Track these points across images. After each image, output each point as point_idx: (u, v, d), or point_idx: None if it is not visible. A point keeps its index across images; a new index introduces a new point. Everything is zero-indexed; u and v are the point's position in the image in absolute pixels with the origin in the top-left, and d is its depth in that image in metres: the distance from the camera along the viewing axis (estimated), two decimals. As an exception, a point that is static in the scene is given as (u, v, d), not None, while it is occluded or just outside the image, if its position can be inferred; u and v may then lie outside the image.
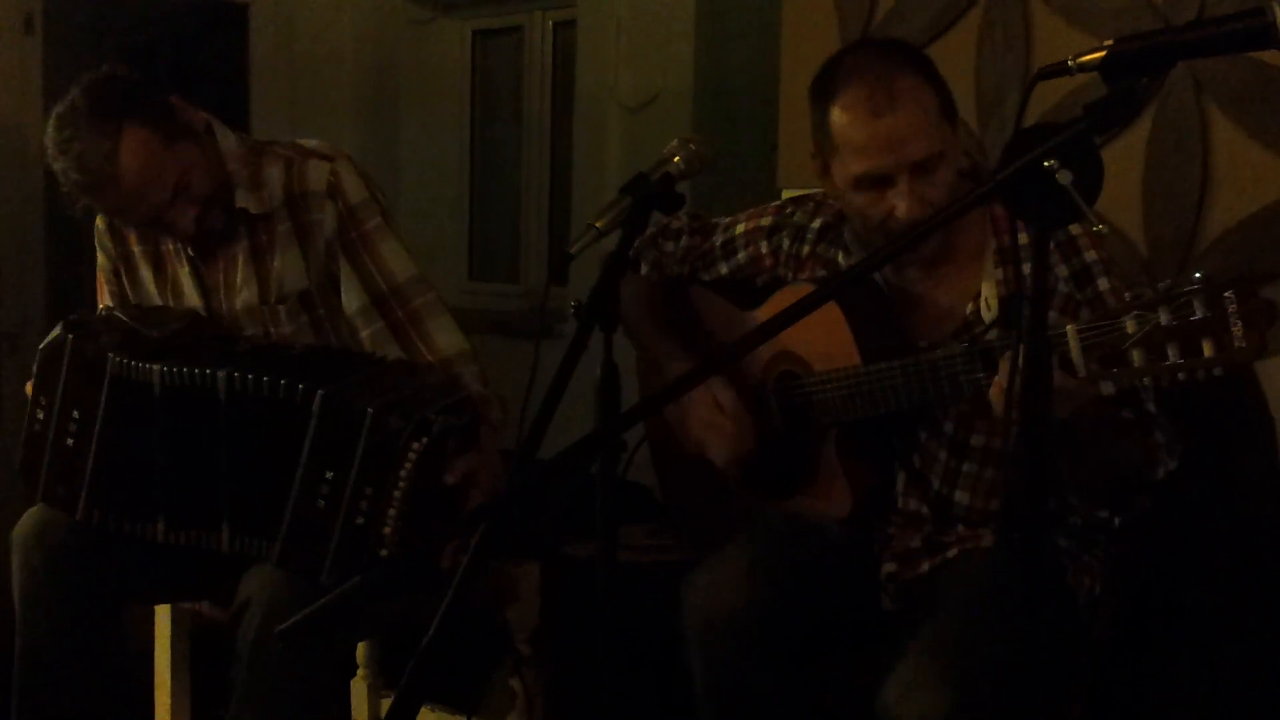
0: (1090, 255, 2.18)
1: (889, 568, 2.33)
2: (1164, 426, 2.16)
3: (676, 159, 1.97)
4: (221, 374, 2.37)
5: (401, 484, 2.28)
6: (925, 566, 2.31)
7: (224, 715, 2.43)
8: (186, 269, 2.65)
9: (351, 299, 2.57)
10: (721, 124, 4.04)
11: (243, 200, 2.56)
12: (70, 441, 2.48)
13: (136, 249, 2.71)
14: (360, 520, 2.30)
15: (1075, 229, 2.18)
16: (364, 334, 2.57)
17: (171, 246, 2.66)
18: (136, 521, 2.46)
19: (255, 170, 2.58)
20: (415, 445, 2.29)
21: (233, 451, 2.39)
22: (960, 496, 2.29)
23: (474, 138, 5.20)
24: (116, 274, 2.75)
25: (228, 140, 2.60)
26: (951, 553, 2.30)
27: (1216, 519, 2.48)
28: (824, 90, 2.25)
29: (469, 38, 5.16)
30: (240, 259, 2.61)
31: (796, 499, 2.40)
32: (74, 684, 2.51)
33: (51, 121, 2.45)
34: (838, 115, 2.21)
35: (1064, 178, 1.50)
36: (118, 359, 2.43)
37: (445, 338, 2.58)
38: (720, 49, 4.11)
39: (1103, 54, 1.53)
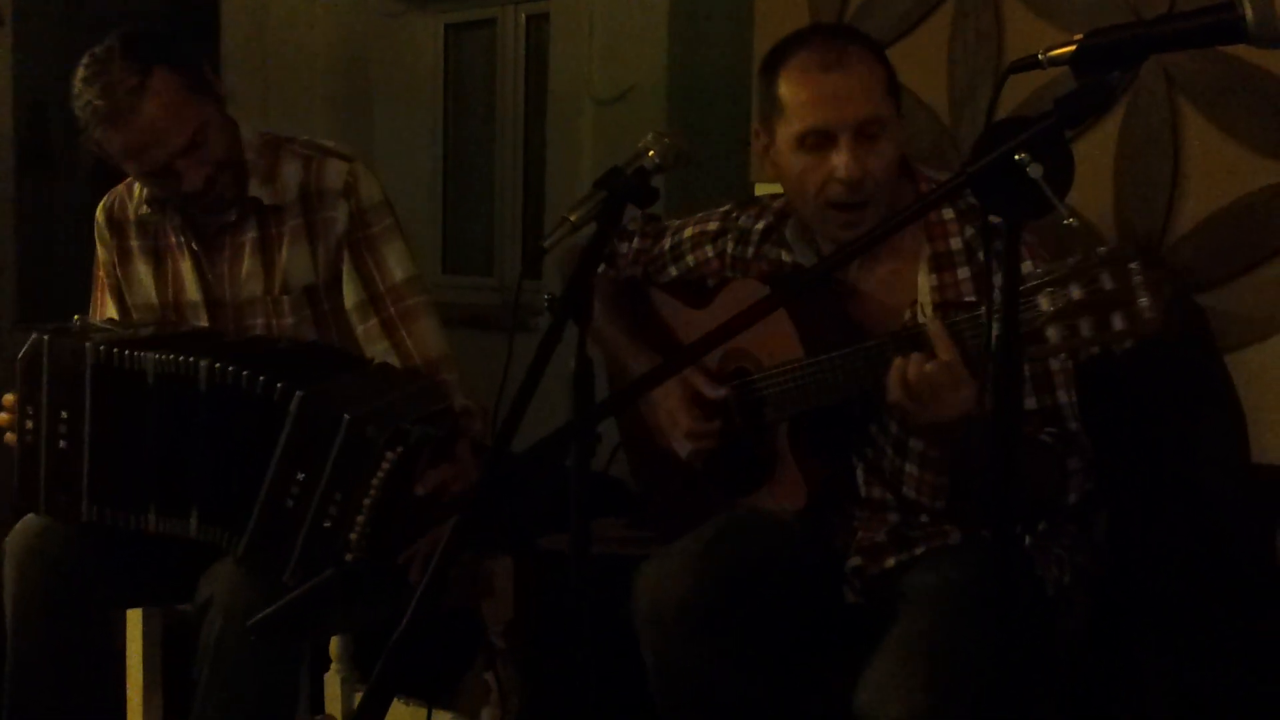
0: (1026, 266, 2.17)
1: (854, 562, 2.33)
2: (1083, 449, 2.18)
3: (651, 153, 1.97)
4: (204, 363, 2.37)
5: (372, 492, 2.29)
6: (891, 561, 2.31)
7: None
8: (189, 261, 2.65)
9: (350, 295, 2.61)
10: (695, 118, 4.05)
11: (256, 190, 2.58)
12: (63, 444, 2.47)
13: (135, 244, 2.71)
14: (328, 524, 2.30)
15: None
16: (359, 330, 2.61)
17: (173, 239, 2.66)
18: (131, 513, 2.45)
19: (272, 163, 2.61)
20: (389, 454, 2.29)
21: (209, 441, 2.39)
22: (907, 492, 2.30)
23: (447, 131, 5.19)
24: (112, 270, 2.74)
25: (246, 130, 2.63)
26: (919, 550, 2.30)
27: (1186, 509, 2.50)
28: (775, 56, 2.29)
29: (441, 31, 5.15)
30: (247, 249, 2.62)
31: (756, 494, 2.41)
32: (65, 693, 2.50)
33: (84, 59, 2.47)
34: (787, 75, 2.25)
35: (1034, 171, 1.51)
36: (94, 347, 2.43)
37: (431, 339, 2.61)
38: (693, 43, 4.12)
39: (1073, 48, 1.54)
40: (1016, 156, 1.51)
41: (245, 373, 2.35)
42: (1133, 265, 1.68)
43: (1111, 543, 2.40)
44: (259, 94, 5.10)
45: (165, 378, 2.40)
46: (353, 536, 2.29)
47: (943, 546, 2.29)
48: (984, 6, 3.12)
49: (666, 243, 2.59)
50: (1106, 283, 1.70)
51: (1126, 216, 2.93)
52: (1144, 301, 1.68)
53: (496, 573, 2.77)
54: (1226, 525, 2.50)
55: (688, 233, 2.56)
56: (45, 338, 2.48)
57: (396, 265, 2.61)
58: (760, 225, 2.46)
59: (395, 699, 2.60)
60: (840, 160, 2.19)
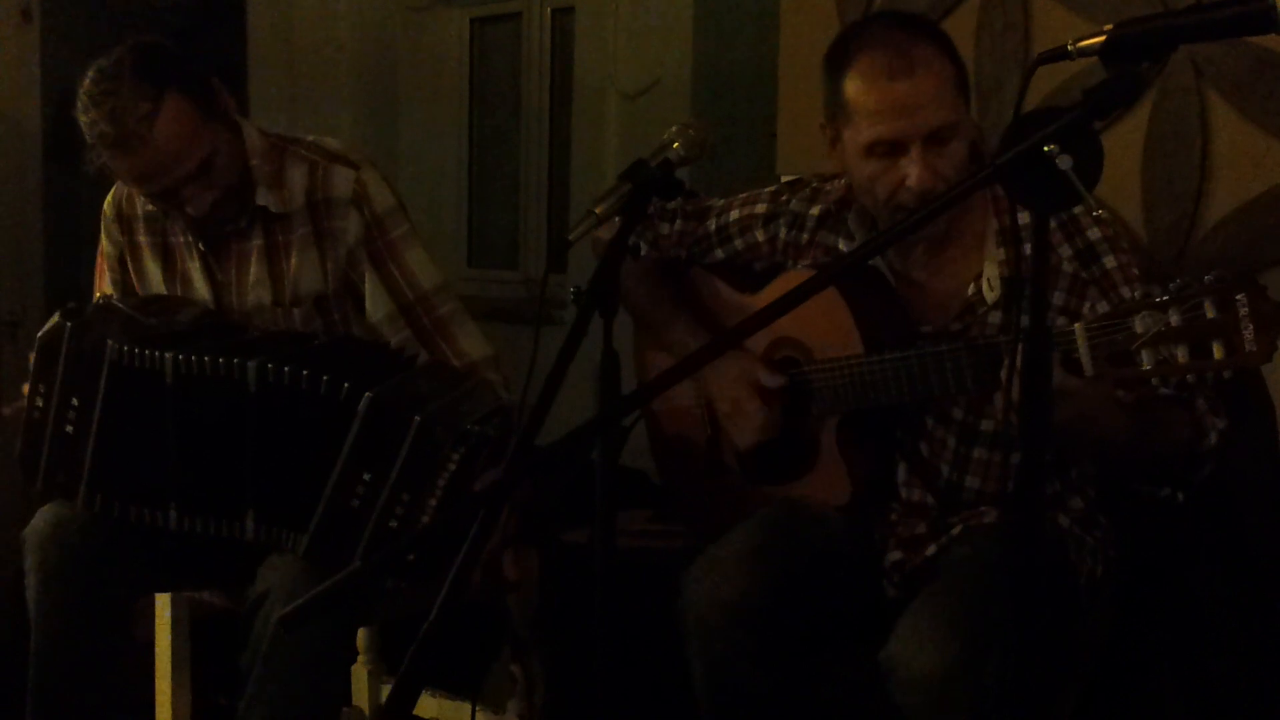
0: (1094, 233, 2.17)
1: (894, 556, 2.32)
2: (1204, 391, 2.13)
3: (676, 145, 1.96)
4: (252, 364, 2.34)
5: (437, 492, 2.28)
6: (932, 549, 2.31)
7: (235, 703, 2.42)
8: (197, 263, 2.63)
9: (377, 307, 2.58)
10: (720, 110, 4.04)
11: (263, 198, 2.55)
12: (69, 429, 2.47)
13: (144, 239, 2.69)
14: (393, 524, 2.29)
15: (1076, 208, 2.17)
16: (392, 341, 2.57)
17: (181, 239, 2.64)
18: (145, 509, 2.45)
19: (278, 169, 2.57)
20: (454, 455, 2.28)
21: (261, 442, 2.37)
22: (971, 482, 2.29)
23: (473, 125, 5.19)
24: (122, 262, 2.73)
25: (251, 134, 2.59)
26: (955, 530, 2.30)
27: (1215, 505, 2.49)
28: (840, 57, 2.23)
29: (467, 25, 5.15)
30: (254, 257, 2.60)
31: (795, 486, 2.40)
32: (88, 680, 2.50)
33: (90, 73, 2.42)
34: (853, 80, 2.19)
35: (1064, 163, 1.50)
36: (117, 346, 2.41)
37: (471, 344, 2.59)
38: (719, 35, 4.10)
39: (1103, 38, 1.53)
40: (1046, 148, 1.50)
41: (305, 372, 2.32)
42: (1239, 297, 1.66)
43: (1141, 537, 2.39)
44: (285, 88, 5.11)
45: (188, 378, 2.37)
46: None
47: (979, 525, 2.28)
48: (1012, -2, 3.11)
49: (711, 224, 2.56)
50: (1209, 311, 1.68)
51: (1154, 208, 2.91)
52: (1248, 334, 1.65)
53: (523, 565, 2.77)
54: (1257, 522, 2.49)
55: (734, 215, 2.53)
56: (68, 324, 2.46)
57: (422, 273, 2.59)
58: (816, 210, 2.43)
59: (423, 691, 2.61)
60: (912, 170, 2.16)
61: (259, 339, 2.51)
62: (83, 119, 2.42)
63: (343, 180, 2.56)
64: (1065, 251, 2.16)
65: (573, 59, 4.55)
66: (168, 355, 2.38)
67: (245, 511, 2.39)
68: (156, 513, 2.44)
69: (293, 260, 2.58)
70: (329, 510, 2.32)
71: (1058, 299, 2.18)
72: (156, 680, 2.92)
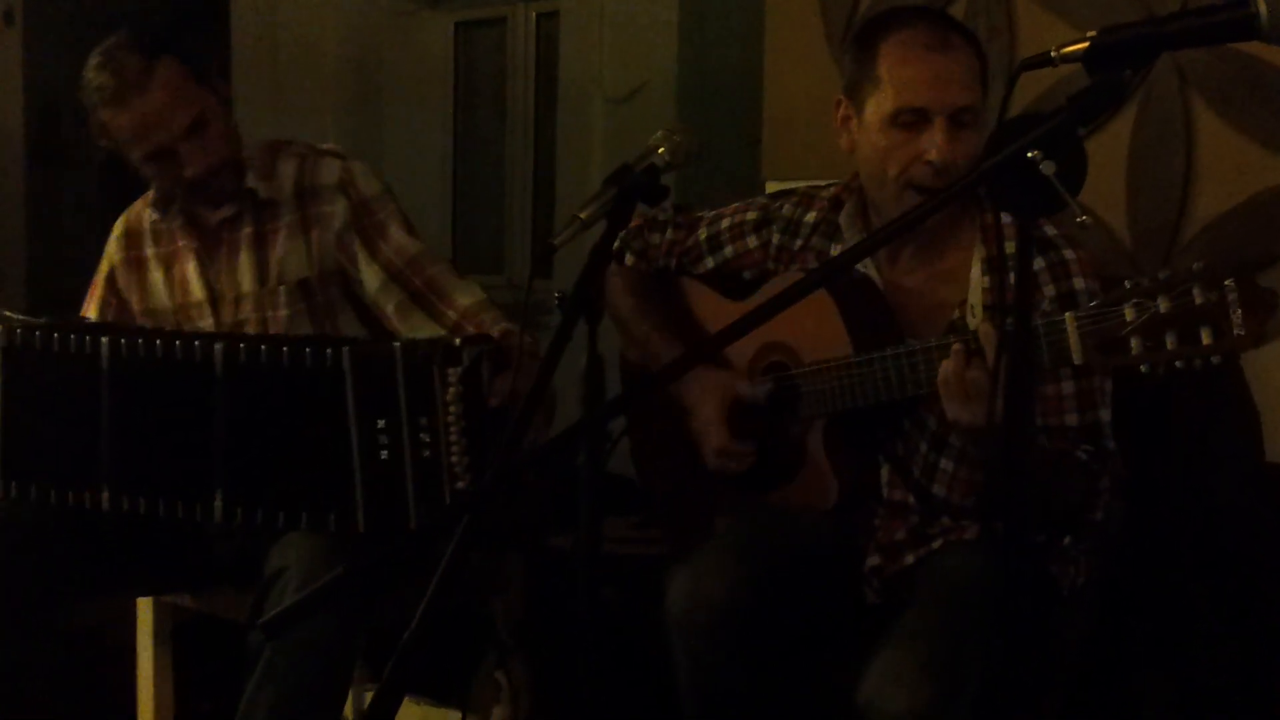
0: (1078, 283, 2.19)
1: (874, 561, 2.33)
2: (1116, 470, 2.18)
3: (661, 150, 1.96)
4: (219, 346, 2.39)
5: (451, 408, 2.31)
6: (910, 559, 2.31)
7: (219, 708, 2.41)
8: (193, 263, 2.70)
9: (371, 279, 2.64)
10: (706, 115, 4.04)
11: (253, 181, 2.64)
12: None
13: (150, 252, 2.76)
14: (427, 454, 2.32)
15: (1069, 253, 2.20)
16: (389, 308, 2.63)
17: (180, 242, 2.71)
18: (70, 490, 2.47)
19: (270, 161, 2.68)
20: (451, 372, 2.31)
21: (234, 425, 2.40)
22: (938, 490, 2.29)
23: (457, 130, 5.19)
24: (111, 280, 2.78)
25: (247, 138, 2.69)
26: (936, 544, 2.30)
27: (1200, 511, 2.49)
28: (874, 29, 2.28)
29: (452, 29, 5.15)
30: (243, 244, 2.67)
31: (781, 491, 2.39)
32: (37, 681, 2.50)
33: (94, 53, 2.57)
34: (889, 48, 2.23)
35: (1047, 169, 1.50)
36: (11, 330, 2.48)
37: (463, 294, 2.65)
38: (704, 40, 4.11)
39: (1086, 45, 1.53)
40: (1029, 154, 1.50)
41: (286, 349, 2.36)
42: (1228, 282, 1.67)
43: (1124, 543, 2.39)
44: (269, 93, 5.11)
45: (130, 363, 2.42)
46: (454, 459, 2.31)
47: (959, 540, 2.29)
48: (996, 3, 3.12)
49: (702, 233, 2.56)
50: (1198, 297, 1.68)
51: (1139, 214, 2.92)
52: (1237, 318, 1.66)
53: (508, 571, 2.77)
54: (1239, 526, 2.49)
55: (725, 223, 2.54)
56: None
57: (407, 242, 2.66)
58: (810, 217, 2.44)
59: (406, 698, 2.60)
60: (933, 142, 2.19)
61: (208, 333, 2.57)
62: (85, 89, 2.55)
63: (329, 169, 2.67)
64: (1049, 291, 2.19)
65: (558, 63, 4.55)
66: (104, 339, 2.44)
67: (213, 494, 2.40)
68: (84, 493, 2.46)
69: (279, 246, 2.65)
70: (367, 472, 2.34)
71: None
72: (138, 687, 2.90)
